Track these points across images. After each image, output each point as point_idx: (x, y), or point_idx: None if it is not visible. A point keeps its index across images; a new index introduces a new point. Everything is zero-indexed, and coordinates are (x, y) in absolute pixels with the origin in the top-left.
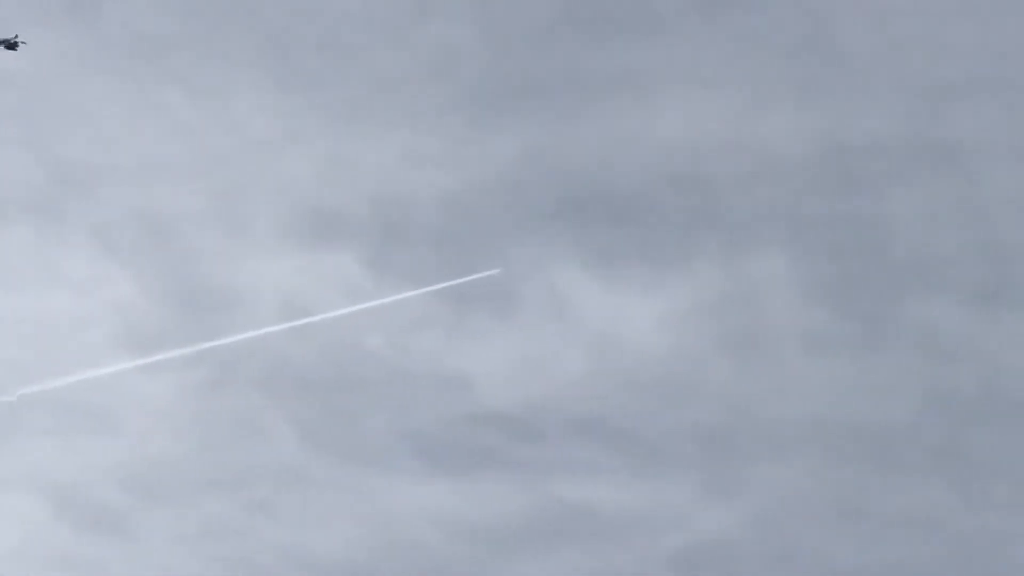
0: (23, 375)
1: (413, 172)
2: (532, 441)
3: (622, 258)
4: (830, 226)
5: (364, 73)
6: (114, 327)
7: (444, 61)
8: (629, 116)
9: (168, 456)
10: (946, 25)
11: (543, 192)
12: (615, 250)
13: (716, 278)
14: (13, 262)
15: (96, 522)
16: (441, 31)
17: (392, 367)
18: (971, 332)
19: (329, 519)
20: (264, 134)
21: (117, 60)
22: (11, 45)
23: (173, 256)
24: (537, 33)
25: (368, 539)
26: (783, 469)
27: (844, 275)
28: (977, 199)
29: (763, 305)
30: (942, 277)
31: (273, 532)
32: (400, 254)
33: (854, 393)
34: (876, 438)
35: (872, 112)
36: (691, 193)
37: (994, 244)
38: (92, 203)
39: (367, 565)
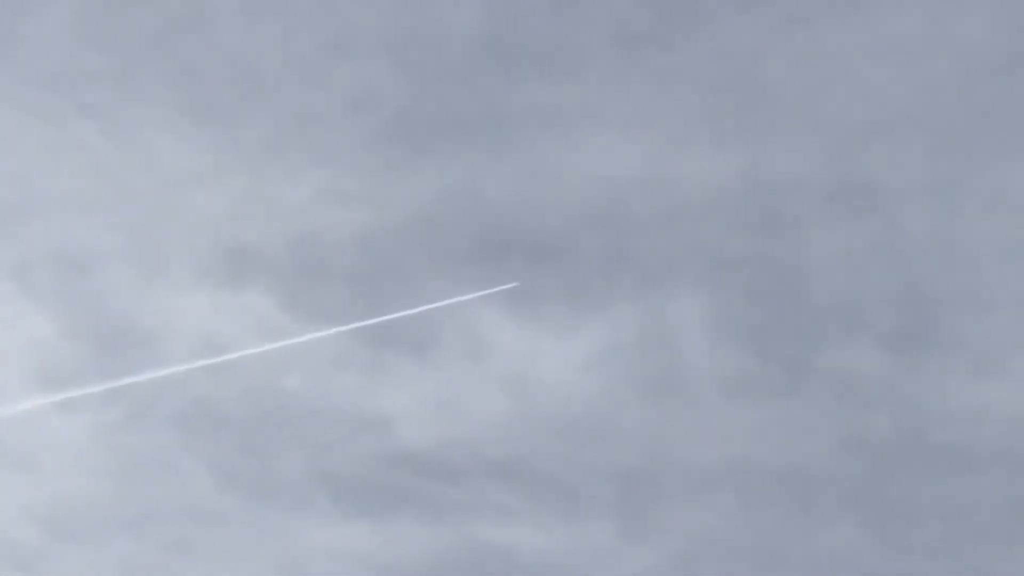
0: None
1: (330, 210)
2: (449, 482)
3: (540, 298)
4: (749, 268)
5: (281, 110)
6: (28, 364)
7: (362, 98)
8: (548, 155)
9: (83, 495)
10: (867, 66)
11: (461, 231)
12: (533, 290)
13: (634, 319)
14: None
15: (8, 561)
16: (359, 68)
17: (309, 407)
18: (890, 376)
19: (244, 559)
20: (181, 170)
21: (33, 94)
22: None
23: (88, 293)
24: (456, 71)
25: None
26: (701, 512)
27: (763, 317)
28: (897, 242)
29: (681, 347)
30: (861, 320)
31: (188, 572)
32: (317, 293)
33: (773, 436)
34: (795, 481)
35: (792, 152)
36: (609, 233)
37: (914, 288)
38: (6, 239)
39: None
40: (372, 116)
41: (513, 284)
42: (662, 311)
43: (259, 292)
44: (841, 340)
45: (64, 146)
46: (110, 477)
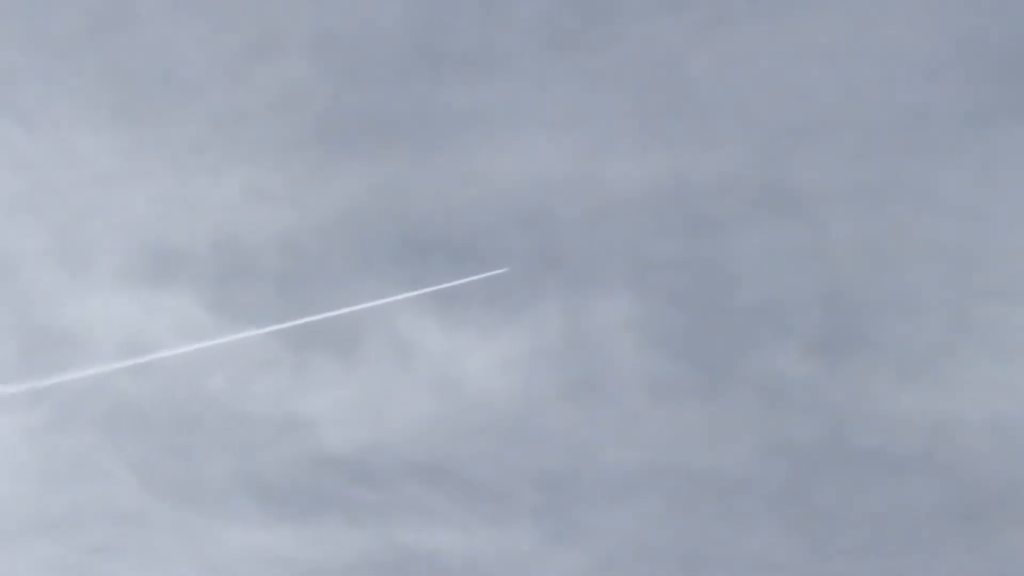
0: None
1: (256, 210)
2: (373, 485)
3: (464, 300)
4: (675, 270)
5: (206, 109)
6: None
7: (287, 98)
8: (474, 155)
9: (5, 496)
10: (793, 68)
11: (387, 231)
12: (457, 292)
13: (560, 321)
14: None
15: None
16: (284, 67)
17: (233, 409)
18: (815, 380)
19: (168, 562)
20: (105, 169)
21: None
22: None
23: (11, 293)
24: (381, 71)
25: None
26: (626, 515)
27: (688, 320)
28: (823, 245)
29: (607, 349)
30: (787, 324)
31: (112, 574)
32: (242, 293)
33: (697, 439)
34: (719, 485)
35: (718, 154)
36: (535, 234)
37: (839, 292)
38: None
39: None
40: (298, 116)
41: (503, 269)
42: (588, 313)
43: (184, 293)
44: (766, 343)
45: None
46: (33, 478)
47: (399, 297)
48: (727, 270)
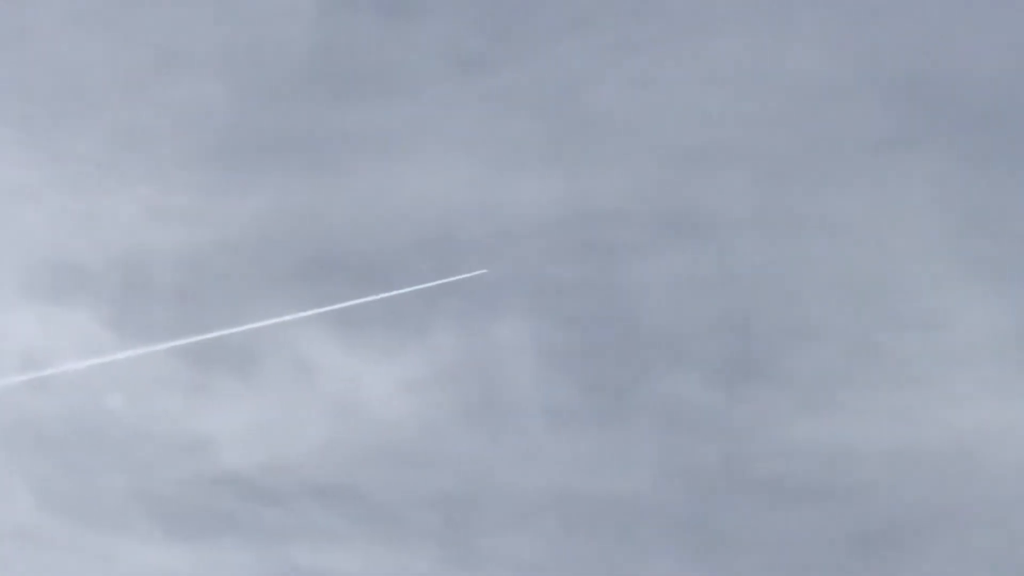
0: None
1: (158, 227)
2: (272, 506)
3: (365, 321)
4: (577, 294)
5: (108, 126)
6: None
7: (190, 115)
8: (377, 175)
9: None
10: (698, 93)
11: (289, 251)
12: (358, 313)
13: (460, 344)
14: None
15: None
16: (187, 84)
17: (132, 426)
18: (716, 407)
19: None
20: (6, 184)
21: None
22: None
23: None
24: (285, 89)
25: None
26: (525, 539)
27: (589, 345)
28: (725, 271)
29: (507, 372)
30: (688, 350)
31: None
32: (143, 310)
33: (597, 464)
34: (619, 510)
35: (622, 178)
36: (435, 256)
37: (741, 318)
38: None
39: None
40: (201, 133)
41: (482, 271)
42: (488, 336)
43: (84, 309)
44: (668, 369)
45: None
46: None
47: (300, 315)
48: (629, 295)
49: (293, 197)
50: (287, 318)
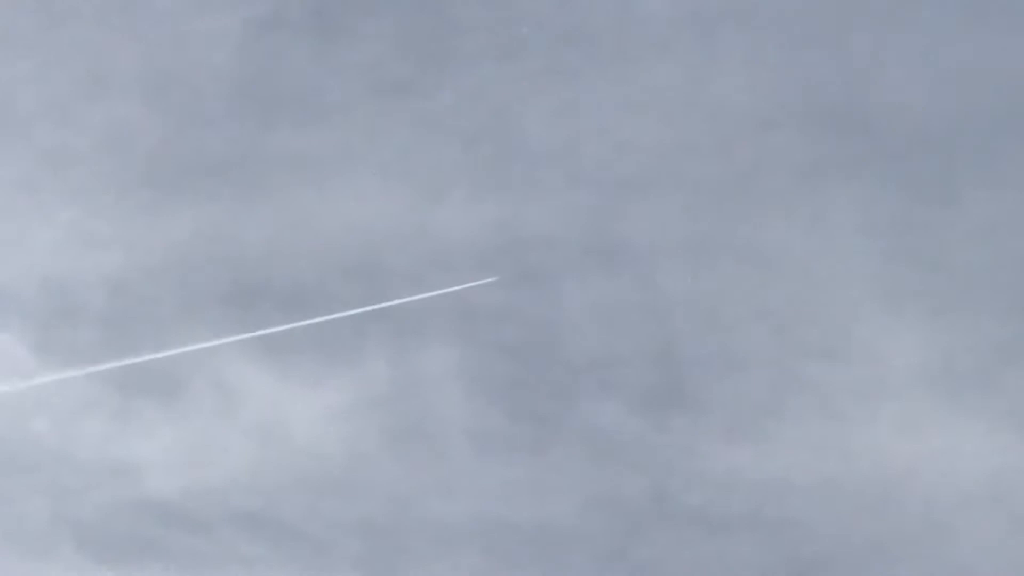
0: None
1: (82, 251)
2: (196, 533)
3: (291, 347)
4: (503, 322)
5: (32, 149)
6: None
7: (116, 138)
8: (303, 201)
9: None
10: (625, 121)
11: (214, 276)
12: (284, 339)
13: (386, 371)
14: None
15: None
16: (113, 107)
17: (55, 451)
18: (642, 436)
19: None
20: None
21: None
22: None
23: None
24: (211, 113)
25: None
26: (449, 569)
27: (516, 373)
28: (652, 300)
29: (433, 400)
30: (614, 379)
31: None
32: (67, 335)
33: (523, 493)
34: (544, 539)
35: (549, 205)
36: (362, 282)
37: (668, 347)
38: None
39: None
40: (126, 156)
41: (492, 279)
42: (414, 363)
43: (7, 333)
44: (594, 398)
45: None
46: None
47: (226, 341)
48: (556, 322)
49: (219, 221)
50: (213, 343)
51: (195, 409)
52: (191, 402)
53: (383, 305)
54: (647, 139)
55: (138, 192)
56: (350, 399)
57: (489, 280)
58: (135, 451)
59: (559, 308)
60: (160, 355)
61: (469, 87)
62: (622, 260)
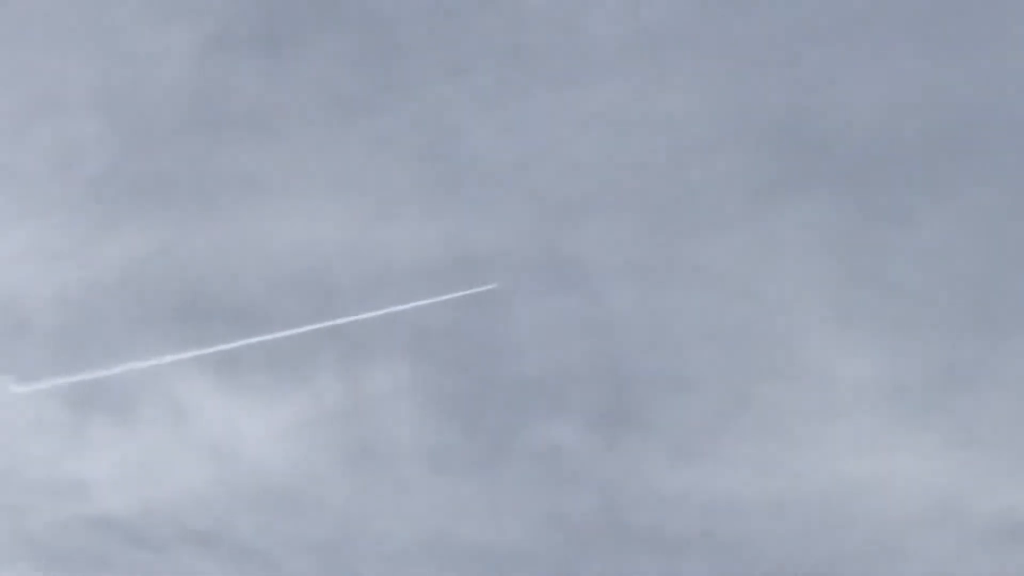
0: None
1: (35, 267)
2: (148, 550)
3: (242, 365)
4: (453, 339)
5: None
6: None
7: (68, 156)
8: (254, 218)
9: None
10: (575, 139)
11: (166, 292)
12: (235, 356)
13: (336, 389)
14: None
15: None
16: (66, 124)
17: (6, 468)
18: (592, 455)
19: None
20: None
21: None
22: None
23: None
24: (163, 131)
25: None
26: None
27: (466, 390)
28: (601, 318)
29: (384, 418)
30: (565, 397)
31: None
32: (18, 351)
33: (474, 511)
34: (495, 558)
35: (499, 223)
36: (313, 299)
37: (617, 366)
38: None
39: None
40: (79, 174)
41: (492, 286)
42: (365, 381)
43: None
44: (544, 416)
45: None
46: None
47: (177, 358)
48: (507, 341)
49: (171, 238)
50: (164, 360)
51: (147, 426)
52: (143, 419)
53: (334, 322)
54: (597, 158)
55: (91, 210)
56: (301, 417)
57: (441, 298)
58: (86, 468)
59: (510, 326)
60: (111, 372)
61: (419, 106)
62: (572, 278)
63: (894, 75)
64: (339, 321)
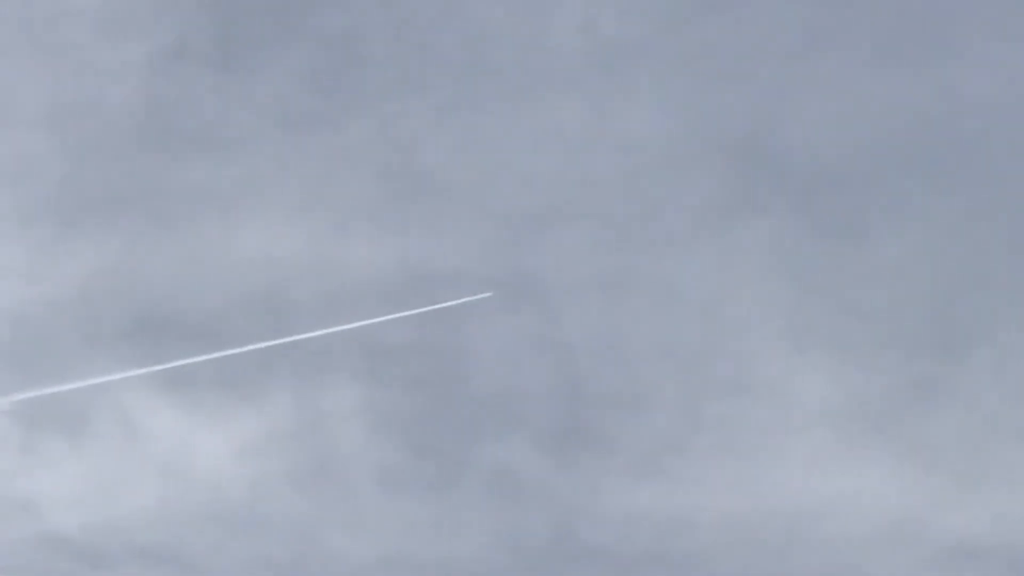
0: None
1: None
2: (100, 568)
3: (196, 382)
4: (408, 357)
5: None
6: None
7: (21, 170)
8: (208, 234)
9: None
10: (532, 155)
11: (118, 309)
12: (189, 373)
13: (290, 406)
14: None
15: None
16: (16, 139)
17: None
18: (546, 474)
19: None
20: None
21: None
22: None
23: None
24: (117, 146)
25: None
26: None
27: (420, 409)
28: (557, 336)
29: (337, 436)
30: (519, 416)
31: None
32: None
33: (427, 530)
34: None
35: (454, 241)
36: (268, 317)
37: (573, 385)
38: None
39: None
40: (31, 190)
41: (488, 294)
42: (318, 399)
43: None
44: (498, 435)
45: None
46: None
47: (129, 374)
48: (461, 359)
49: (124, 255)
50: (117, 376)
51: (99, 444)
52: (95, 437)
53: (289, 339)
54: (554, 174)
55: (44, 225)
56: (255, 434)
57: (396, 315)
58: (37, 486)
59: (464, 344)
60: (63, 388)
61: (376, 121)
62: (527, 296)
63: (852, 94)
64: (294, 338)
